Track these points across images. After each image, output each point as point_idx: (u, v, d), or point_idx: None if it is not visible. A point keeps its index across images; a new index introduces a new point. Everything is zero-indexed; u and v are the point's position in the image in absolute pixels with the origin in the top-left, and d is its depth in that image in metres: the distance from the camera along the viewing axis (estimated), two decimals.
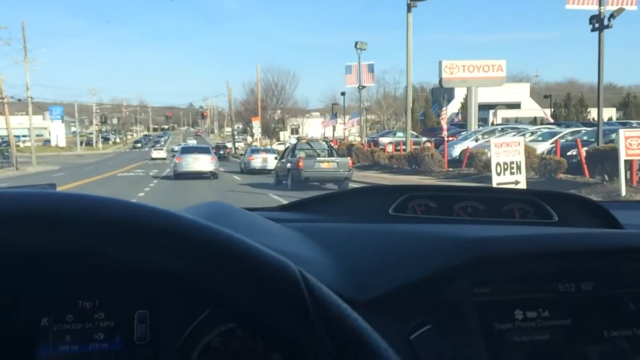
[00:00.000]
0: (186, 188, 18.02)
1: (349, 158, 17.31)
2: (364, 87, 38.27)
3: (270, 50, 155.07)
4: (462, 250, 0.75)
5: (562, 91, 42.83)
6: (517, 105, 46.77)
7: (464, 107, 43.40)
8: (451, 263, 0.74)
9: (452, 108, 42.64)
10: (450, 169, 20.01)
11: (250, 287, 0.48)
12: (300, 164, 16.10)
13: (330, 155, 17.46)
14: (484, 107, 43.16)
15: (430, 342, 0.69)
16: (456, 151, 22.19)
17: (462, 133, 27.15)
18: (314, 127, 61.35)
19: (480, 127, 28.69)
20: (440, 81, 30.29)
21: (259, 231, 0.83)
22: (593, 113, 35.86)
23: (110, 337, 0.71)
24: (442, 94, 42.65)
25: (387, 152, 24.65)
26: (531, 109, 45.13)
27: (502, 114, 41.73)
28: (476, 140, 23.02)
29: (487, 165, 14.81)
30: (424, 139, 29.51)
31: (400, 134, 32.64)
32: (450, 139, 23.66)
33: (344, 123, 45.02)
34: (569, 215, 1.14)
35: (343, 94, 46.17)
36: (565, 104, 30.77)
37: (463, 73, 29.41)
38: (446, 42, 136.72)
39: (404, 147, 24.14)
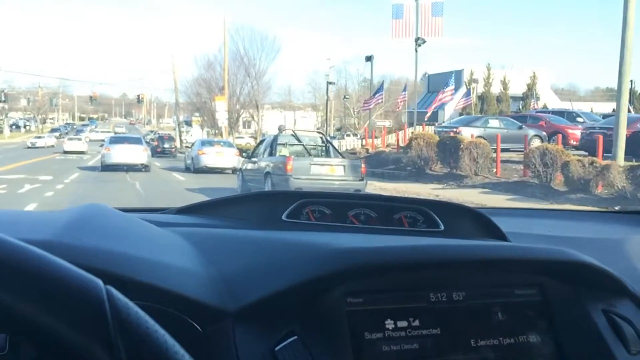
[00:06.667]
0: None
1: (361, 161, 12.04)
2: (424, 41, 24.57)
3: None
4: (336, 260, 0.79)
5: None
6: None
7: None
8: (324, 272, 0.77)
9: (457, 95, 33.66)
10: None
11: (44, 307, 0.45)
12: (289, 166, 10.66)
13: (328, 154, 12.19)
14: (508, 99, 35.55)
15: (296, 354, 0.71)
16: None
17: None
18: (271, 123, 54.15)
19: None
20: None
21: (129, 237, 0.82)
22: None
23: None
24: (441, 79, 33.67)
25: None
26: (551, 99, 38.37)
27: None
28: None
29: None
30: (531, 132, 18.50)
31: (494, 121, 21.14)
32: None
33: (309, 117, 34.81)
34: (455, 224, 1.22)
35: (369, 58, 31.77)
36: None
37: None
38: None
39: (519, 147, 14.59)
